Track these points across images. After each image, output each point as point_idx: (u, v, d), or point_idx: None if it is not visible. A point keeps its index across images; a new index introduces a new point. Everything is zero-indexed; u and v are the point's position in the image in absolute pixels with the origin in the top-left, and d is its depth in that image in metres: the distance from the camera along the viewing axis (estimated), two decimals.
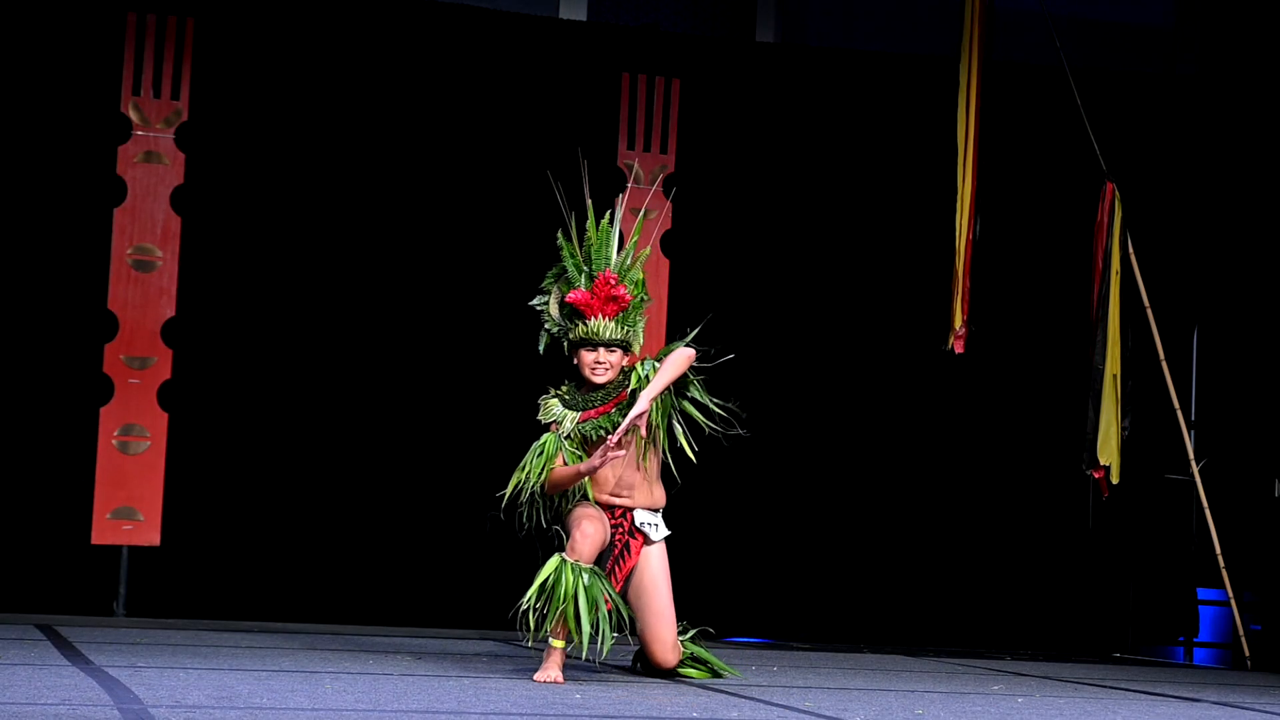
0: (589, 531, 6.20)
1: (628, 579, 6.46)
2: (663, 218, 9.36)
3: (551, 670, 6.09)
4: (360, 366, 9.42)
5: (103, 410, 8.99)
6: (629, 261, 6.53)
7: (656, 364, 6.39)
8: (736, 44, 10.55)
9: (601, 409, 6.40)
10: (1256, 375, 10.56)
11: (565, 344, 6.52)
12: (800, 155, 10.09)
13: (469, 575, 9.33)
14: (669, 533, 6.57)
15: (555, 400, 6.50)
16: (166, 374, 9.07)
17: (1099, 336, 9.49)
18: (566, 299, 6.44)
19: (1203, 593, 10.42)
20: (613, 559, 6.39)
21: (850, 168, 10.19)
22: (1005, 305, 10.04)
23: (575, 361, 6.48)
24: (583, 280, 6.46)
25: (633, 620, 6.45)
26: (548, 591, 6.09)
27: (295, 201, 9.39)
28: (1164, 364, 9.62)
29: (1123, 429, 9.44)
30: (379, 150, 9.51)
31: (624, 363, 6.47)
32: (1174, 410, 9.68)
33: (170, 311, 9.09)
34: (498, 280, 9.34)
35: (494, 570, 8.83)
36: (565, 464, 6.34)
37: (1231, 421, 10.60)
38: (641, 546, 6.49)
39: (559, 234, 6.55)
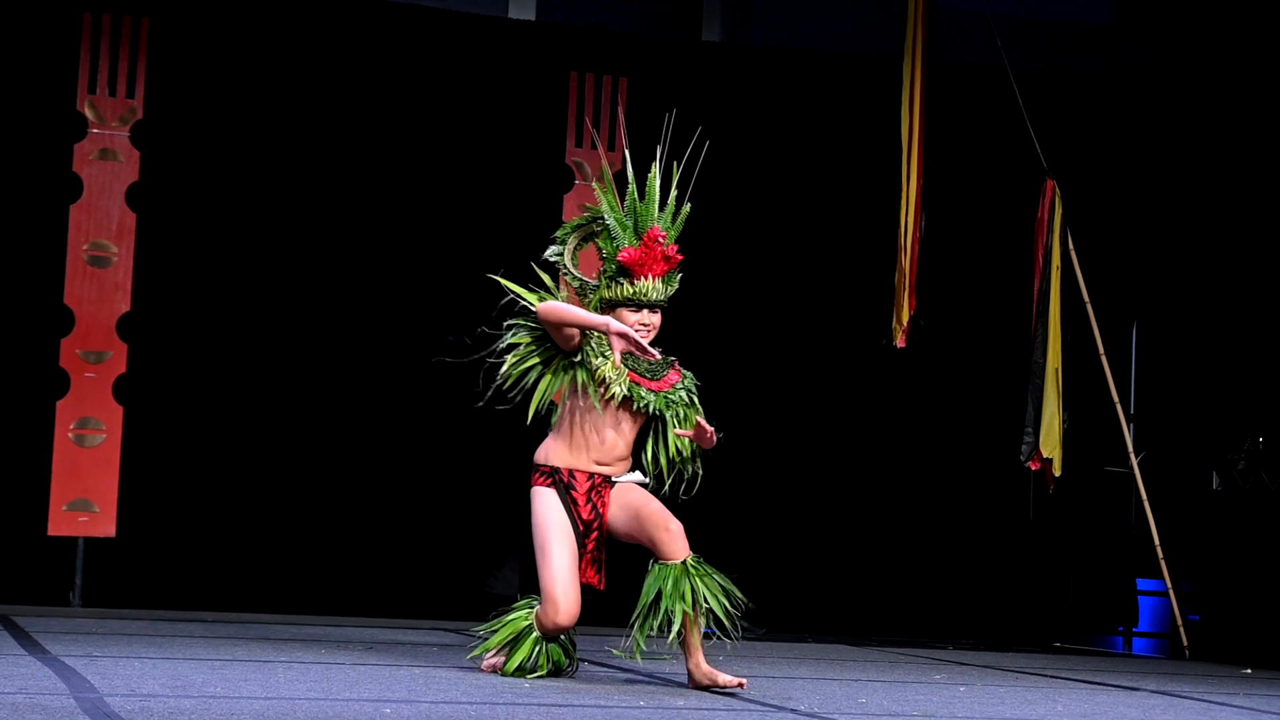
0: (566, 601, 5.88)
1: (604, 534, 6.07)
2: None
3: (497, 658, 6.04)
4: (313, 359, 9.47)
5: (59, 404, 9.04)
6: (672, 220, 6.18)
7: (695, 385, 6.14)
8: (683, 43, 10.60)
9: (645, 383, 6.00)
10: (1194, 369, 10.67)
11: (599, 301, 6.04)
12: (747, 153, 10.13)
13: (422, 567, 9.41)
14: (639, 477, 6.12)
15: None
16: (122, 368, 9.13)
17: (1039, 331, 9.58)
18: (618, 257, 5.99)
19: (1142, 583, 10.52)
20: (582, 530, 5.99)
21: (796, 165, 10.27)
22: (949, 301, 10.12)
23: None
24: (627, 237, 6.08)
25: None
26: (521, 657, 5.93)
27: (249, 198, 9.44)
28: (1104, 358, 9.70)
29: (1063, 422, 9.54)
30: (331, 147, 9.57)
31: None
32: (1113, 404, 9.76)
33: (125, 307, 9.15)
34: (446, 275, 9.40)
35: (446, 562, 8.95)
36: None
37: (1170, 415, 10.70)
38: (609, 491, 6.05)
39: (594, 183, 6.20)
